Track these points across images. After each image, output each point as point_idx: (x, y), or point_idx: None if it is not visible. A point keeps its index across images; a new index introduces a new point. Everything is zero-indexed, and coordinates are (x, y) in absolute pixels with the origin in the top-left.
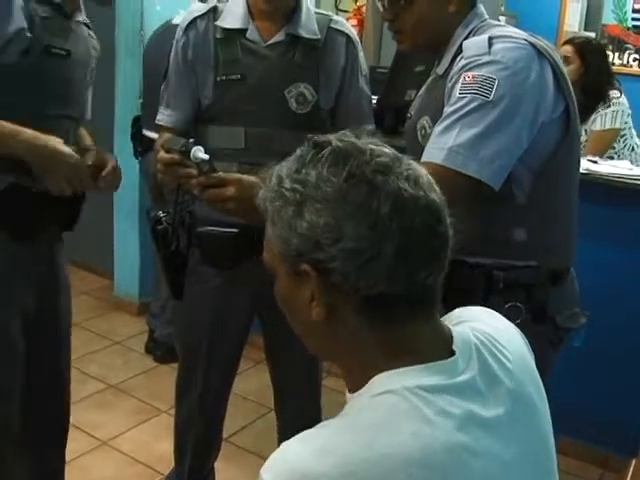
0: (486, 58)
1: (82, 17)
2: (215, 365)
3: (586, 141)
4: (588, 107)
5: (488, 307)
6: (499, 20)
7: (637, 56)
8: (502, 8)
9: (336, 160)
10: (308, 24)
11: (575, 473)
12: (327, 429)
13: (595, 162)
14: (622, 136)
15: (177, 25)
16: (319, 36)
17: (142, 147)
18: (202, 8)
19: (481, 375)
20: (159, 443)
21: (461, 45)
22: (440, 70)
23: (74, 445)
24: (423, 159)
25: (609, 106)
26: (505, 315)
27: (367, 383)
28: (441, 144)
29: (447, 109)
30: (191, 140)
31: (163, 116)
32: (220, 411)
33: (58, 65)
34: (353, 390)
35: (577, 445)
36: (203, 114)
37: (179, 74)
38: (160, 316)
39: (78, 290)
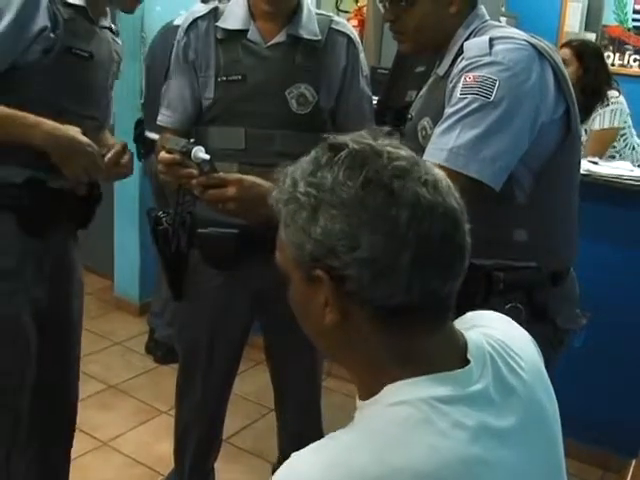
0: (487, 59)
1: (107, 22)
2: (215, 365)
3: (586, 141)
4: (587, 108)
5: (488, 308)
6: (500, 21)
7: (637, 57)
8: (502, 9)
9: (352, 164)
10: (309, 25)
11: (576, 474)
12: (338, 440)
13: (596, 163)
14: (622, 135)
15: (179, 26)
16: (320, 37)
17: (145, 149)
18: (203, 9)
19: (495, 384)
20: (159, 444)
21: (462, 46)
22: (441, 71)
23: (74, 446)
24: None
25: (607, 105)
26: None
27: (379, 391)
28: (442, 145)
29: (448, 110)
30: (192, 140)
31: (164, 117)
32: (220, 412)
33: (79, 66)
34: (364, 397)
35: (577, 446)
36: (204, 115)
37: (180, 75)
38: (161, 316)
39: None
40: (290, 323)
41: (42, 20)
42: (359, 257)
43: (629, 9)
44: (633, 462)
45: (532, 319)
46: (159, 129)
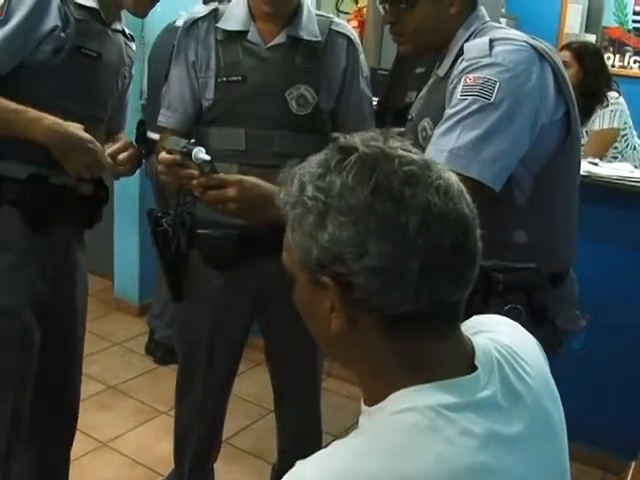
0: (487, 60)
1: (120, 26)
2: (215, 366)
3: (587, 142)
4: (587, 109)
5: (488, 309)
6: (500, 22)
7: (637, 58)
8: (503, 10)
9: (362, 168)
10: (309, 26)
11: (576, 476)
12: (345, 449)
13: (596, 164)
14: (623, 136)
15: (180, 27)
16: (320, 38)
17: (146, 149)
18: (203, 10)
19: (502, 391)
20: (159, 444)
21: (462, 47)
22: (441, 72)
23: (74, 446)
24: None
25: (607, 106)
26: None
27: (385, 397)
28: (442, 146)
29: (448, 111)
30: (192, 141)
31: (164, 117)
32: (220, 412)
33: (88, 66)
34: (369, 402)
35: (577, 448)
36: (204, 116)
37: (180, 76)
38: (160, 317)
39: None
40: (290, 324)
41: (53, 20)
42: (367, 265)
43: (629, 10)
44: (633, 464)
45: (531, 320)
46: (160, 130)
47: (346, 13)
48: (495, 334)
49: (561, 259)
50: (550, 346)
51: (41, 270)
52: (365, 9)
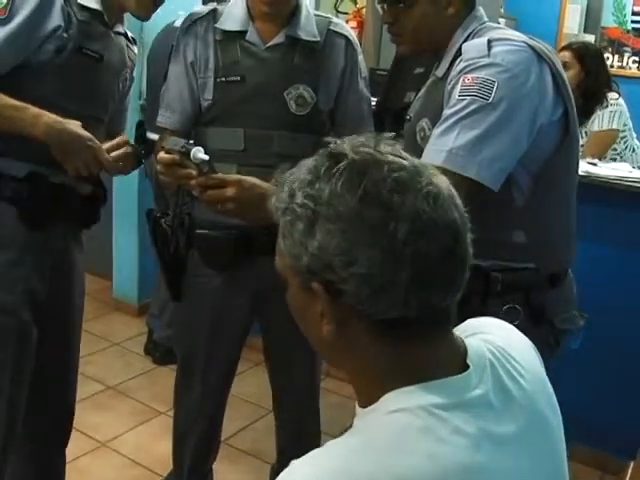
0: (485, 60)
1: (123, 29)
2: (214, 366)
3: (586, 142)
4: (587, 111)
5: (486, 309)
6: (499, 22)
7: (636, 58)
8: (502, 10)
9: (351, 175)
10: (307, 26)
11: (574, 476)
12: (338, 449)
13: (595, 164)
14: (623, 138)
15: (178, 27)
16: (318, 38)
17: (146, 150)
18: (202, 10)
19: (495, 390)
20: (158, 445)
21: (460, 47)
22: (439, 72)
23: (73, 447)
24: (422, 161)
25: (607, 107)
26: (503, 317)
27: (378, 399)
28: (440, 146)
29: (446, 111)
30: (191, 141)
31: (163, 118)
32: (219, 412)
33: (89, 67)
34: (363, 404)
35: (576, 448)
36: (203, 116)
37: (179, 76)
38: (159, 317)
39: None
40: (289, 324)
41: (55, 20)
42: (356, 272)
43: (628, 11)
44: (631, 464)
45: (530, 320)
46: (159, 130)
47: (345, 13)
48: (489, 336)
49: (560, 259)
50: (548, 346)
51: (38, 268)
52: (364, 9)
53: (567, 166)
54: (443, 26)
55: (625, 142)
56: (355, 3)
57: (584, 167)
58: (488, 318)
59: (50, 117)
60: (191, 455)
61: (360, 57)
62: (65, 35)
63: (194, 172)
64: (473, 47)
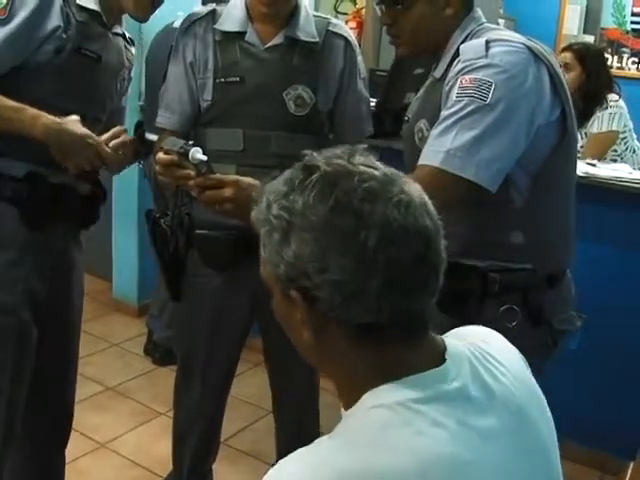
0: (483, 61)
1: (121, 30)
2: (214, 366)
3: (585, 144)
4: (587, 112)
5: (484, 310)
6: (498, 23)
7: (635, 59)
8: (501, 11)
9: (323, 187)
10: (306, 27)
11: (574, 476)
12: (322, 446)
13: (594, 165)
14: (623, 139)
15: (177, 28)
16: (317, 39)
17: (145, 151)
18: (201, 11)
19: (474, 385)
20: (158, 445)
21: (458, 48)
22: (437, 73)
23: (72, 447)
24: (420, 162)
25: (606, 108)
26: (501, 318)
27: (359, 401)
28: (438, 147)
29: (444, 112)
30: (190, 142)
31: (162, 118)
32: (219, 413)
33: (87, 67)
34: (347, 408)
35: (576, 448)
36: (202, 116)
37: (178, 77)
38: (159, 318)
39: None
40: None
41: (54, 21)
42: (329, 279)
43: (627, 12)
44: (631, 464)
45: (528, 321)
46: (158, 131)
47: (344, 14)
48: (472, 339)
49: (558, 260)
50: (546, 347)
51: (38, 268)
52: (363, 10)
53: (565, 166)
54: (441, 27)
55: (625, 143)
56: (355, 4)
57: (584, 168)
58: (471, 326)
59: (48, 118)
60: (191, 456)
61: (359, 58)
62: (64, 35)
63: (192, 173)
64: (471, 48)
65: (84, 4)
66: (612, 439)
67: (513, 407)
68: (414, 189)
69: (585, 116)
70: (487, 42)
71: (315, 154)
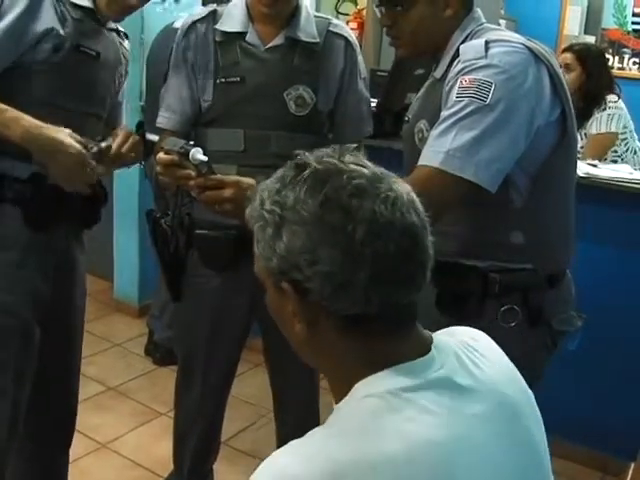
0: (483, 62)
1: (115, 25)
2: (214, 366)
3: (585, 144)
4: (587, 112)
5: (484, 309)
6: (499, 24)
7: (636, 59)
8: (502, 12)
9: (314, 183)
10: (307, 27)
11: (575, 477)
12: (314, 437)
13: (595, 166)
14: (623, 140)
15: (179, 29)
16: (318, 39)
17: (145, 151)
18: (202, 12)
19: (460, 372)
20: (158, 446)
21: (458, 49)
22: (437, 74)
23: (73, 447)
24: (420, 162)
25: (604, 109)
26: (501, 318)
27: (350, 391)
28: (438, 147)
29: (444, 112)
30: (190, 142)
31: (163, 119)
32: (219, 413)
33: (86, 64)
34: (337, 401)
35: (577, 449)
36: (203, 117)
37: (179, 77)
38: (160, 318)
39: None
40: None
41: (47, 21)
42: (320, 271)
43: (628, 12)
44: (632, 465)
45: (528, 321)
46: (158, 131)
47: (345, 14)
48: (461, 337)
49: (558, 260)
50: (545, 347)
51: (42, 269)
52: (364, 11)
53: (565, 167)
54: (441, 28)
55: (626, 144)
56: (355, 4)
57: (584, 168)
58: (460, 327)
59: (29, 121)
60: (191, 456)
61: (360, 58)
62: (62, 33)
63: (193, 173)
64: (471, 48)
65: (77, 1)
66: (613, 440)
67: (500, 398)
68: (402, 187)
69: (585, 117)
70: (487, 42)
71: (307, 153)
